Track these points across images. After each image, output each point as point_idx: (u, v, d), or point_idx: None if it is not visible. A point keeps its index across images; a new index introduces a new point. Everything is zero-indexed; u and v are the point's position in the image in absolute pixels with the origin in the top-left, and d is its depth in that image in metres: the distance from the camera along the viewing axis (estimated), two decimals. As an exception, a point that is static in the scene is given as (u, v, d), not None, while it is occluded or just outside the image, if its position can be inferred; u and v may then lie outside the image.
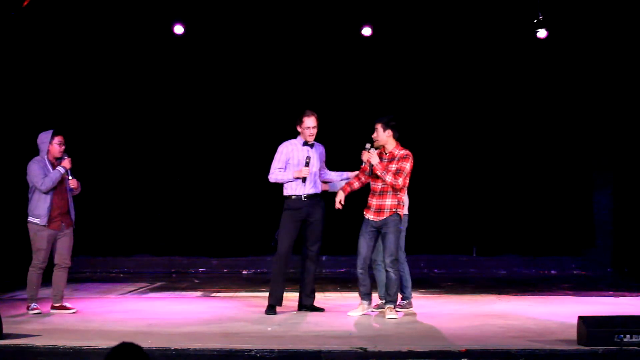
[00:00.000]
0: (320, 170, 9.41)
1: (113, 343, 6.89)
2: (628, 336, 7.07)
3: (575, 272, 13.74)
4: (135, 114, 13.75)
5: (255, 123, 13.48)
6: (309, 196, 9.25)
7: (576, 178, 13.89)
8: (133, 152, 13.72)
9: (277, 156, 9.34)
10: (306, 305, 9.38)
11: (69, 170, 9.09)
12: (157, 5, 12.83)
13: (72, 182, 9.15)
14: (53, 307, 9.11)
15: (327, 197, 9.48)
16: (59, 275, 9.18)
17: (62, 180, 9.07)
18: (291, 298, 9.69)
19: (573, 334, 7.38)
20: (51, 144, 9.07)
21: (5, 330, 7.57)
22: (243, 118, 13.68)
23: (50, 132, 9.12)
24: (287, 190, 9.31)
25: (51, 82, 13.24)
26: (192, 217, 13.89)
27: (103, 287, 11.66)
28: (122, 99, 13.72)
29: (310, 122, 9.20)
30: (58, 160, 9.11)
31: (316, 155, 9.33)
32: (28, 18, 12.24)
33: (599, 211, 13.97)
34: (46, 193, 8.94)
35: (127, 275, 13.44)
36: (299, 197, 9.24)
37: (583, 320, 7.28)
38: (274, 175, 9.31)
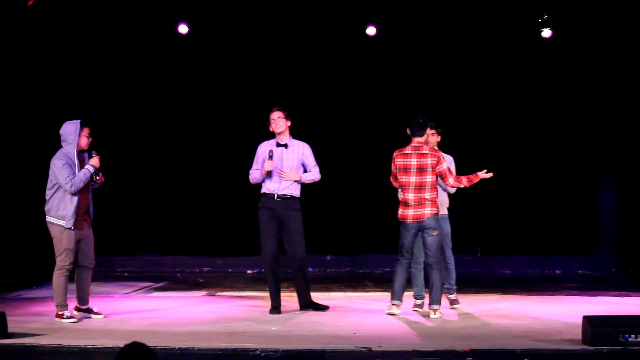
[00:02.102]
0: (304, 169, 9.33)
1: (117, 342, 6.95)
2: (633, 336, 7.07)
3: (579, 271, 13.73)
4: (140, 113, 13.76)
5: (260, 123, 13.42)
6: (282, 197, 9.19)
7: (581, 178, 13.87)
8: (137, 151, 13.71)
9: (255, 157, 9.38)
10: (306, 305, 9.37)
11: (96, 170, 8.58)
12: (161, 5, 12.85)
13: (100, 179, 8.68)
14: (79, 310, 8.73)
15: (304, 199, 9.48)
16: (85, 277, 8.71)
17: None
18: (295, 297, 9.69)
19: (578, 333, 7.37)
20: (80, 136, 8.49)
21: (10, 330, 7.57)
22: (248, 118, 13.66)
23: (77, 123, 8.53)
24: (262, 188, 9.30)
25: (56, 81, 13.26)
26: (196, 217, 13.89)
27: (107, 286, 11.66)
28: (130, 98, 13.72)
29: (272, 115, 9.24)
30: (82, 154, 8.60)
31: (292, 155, 9.25)
32: (34, 17, 12.26)
33: (604, 211, 13.96)
34: (74, 194, 8.45)
35: (131, 274, 13.44)
36: (271, 195, 9.20)
37: (588, 320, 7.27)
38: (250, 176, 9.36)
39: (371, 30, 12.97)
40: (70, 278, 8.66)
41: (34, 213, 10.45)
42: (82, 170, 8.48)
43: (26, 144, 12.63)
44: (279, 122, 9.20)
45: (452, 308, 9.40)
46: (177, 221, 13.88)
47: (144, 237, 13.93)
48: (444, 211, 9.34)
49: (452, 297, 9.52)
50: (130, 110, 13.74)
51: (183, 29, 12.89)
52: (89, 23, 12.98)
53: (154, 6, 12.90)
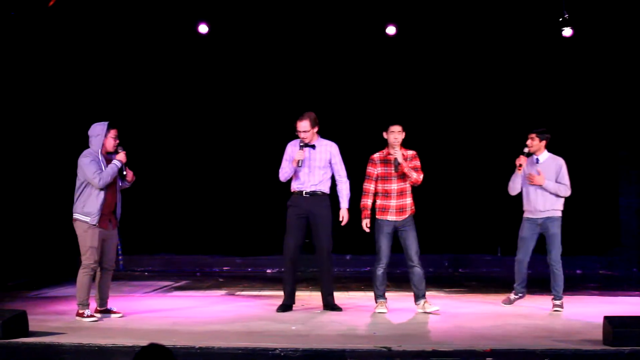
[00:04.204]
0: (333, 170, 9.37)
1: (137, 341, 6.97)
2: (654, 336, 7.03)
3: (600, 272, 13.64)
4: (162, 114, 13.75)
5: (280, 122, 13.44)
6: (310, 193, 9.27)
7: (601, 177, 13.79)
8: (157, 151, 13.72)
9: (284, 156, 9.43)
10: (328, 304, 9.38)
11: (124, 165, 8.63)
12: (182, 5, 12.88)
13: (129, 175, 8.73)
14: (97, 311, 8.75)
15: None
16: (105, 279, 8.74)
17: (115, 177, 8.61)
18: (316, 296, 9.70)
19: (599, 334, 7.34)
20: (106, 137, 8.52)
21: (31, 328, 7.63)
22: (267, 117, 13.69)
23: (105, 125, 8.58)
24: (292, 187, 9.37)
25: (81, 82, 13.32)
26: (216, 216, 13.90)
27: (128, 285, 11.70)
28: (152, 99, 13.72)
29: (300, 127, 9.23)
30: (110, 155, 8.63)
31: (320, 155, 9.30)
32: (55, 17, 12.34)
33: (625, 211, 13.87)
34: (101, 190, 8.43)
35: (151, 273, 13.47)
36: (300, 192, 9.28)
37: (609, 320, 7.24)
38: (280, 172, 9.39)
39: (391, 30, 12.94)
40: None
41: (57, 212, 10.51)
42: (110, 165, 8.53)
43: (51, 144, 12.70)
44: (305, 135, 9.22)
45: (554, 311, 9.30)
46: (197, 220, 13.89)
47: (164, 236, 13.96)
48: (559, 213, 9.53)
49: (558, 302, 9.41)
50: (152, 111, 13.73)
51: (203, 29, 12.90)
52: (113, 25, 13.01)
53: (173, 6, 12.91)
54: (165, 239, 14.00)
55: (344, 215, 9.36)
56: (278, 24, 13.20)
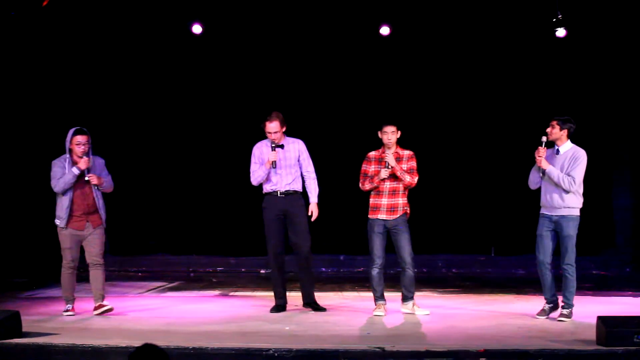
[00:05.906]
0: (301, 167, 9.37)
1: (131, 342, 6.97)
2: (648, 336, 7.03)
3: (594, 272, 13.64)
4: (156, 114, 13.72)
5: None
6: (285, 193, 9.27)
7: (595, 177, 13.76)
8: (151, 151, 13.71)
9: (252, 159, 9.41)
10: (310, 303, 9.37)
11: (85, 171, 8.73)
12: (175, 5, 12.86)
13: (92, 179, 8.78)
14: (95, 308, 8.92)
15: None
16: (93, 275, 8.93)
17: (85, 181, 8.79)
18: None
19: (592, 334, 7.35)
20: (71, 144, 8.78)
21: (24, 329, 7.61)
22: (262, 117, 13.63)
23: (72, 131, 8.83)
24: (265, 188, 9.35)
25: (73, 84, 13.31)
26: (210, 216, 13.89)
27: (121, 286, 11.68)
28: (146, 100, 13.69)
29: (270, 128, 9.21)
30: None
31: (289, 154, 9.31)
32: (49, 17, 12.33)
33: (618, 211, 13.88)
34: (63, 194, 8.74)
35: (145, 274, 13.45)
36: (274, 193, 9.27)
37: (602, 320, 7.24)
38: (253, 176, 9.35)
39: (385, 30, 12.94)
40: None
41: (48, 214, 10.50)
42: (67, 172, 8.75)
43: (43, 147, 12.67)
44: (276, 136, 9.20)
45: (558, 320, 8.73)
46: (190, 221, 13.87)
47: (158, 236, 13.94)
48: (575, 212, 8.97)
49: (566, 311, 8.79)
50: (148, 110, 13.70)
51: (197, 29, 12.87)
52: (107, 25, 12.99)
53: (167, 6, 12.89)
54: (159, 240, 13.98)
55: (313, 209, 9.35)
56: (272, 23, 13.19)
